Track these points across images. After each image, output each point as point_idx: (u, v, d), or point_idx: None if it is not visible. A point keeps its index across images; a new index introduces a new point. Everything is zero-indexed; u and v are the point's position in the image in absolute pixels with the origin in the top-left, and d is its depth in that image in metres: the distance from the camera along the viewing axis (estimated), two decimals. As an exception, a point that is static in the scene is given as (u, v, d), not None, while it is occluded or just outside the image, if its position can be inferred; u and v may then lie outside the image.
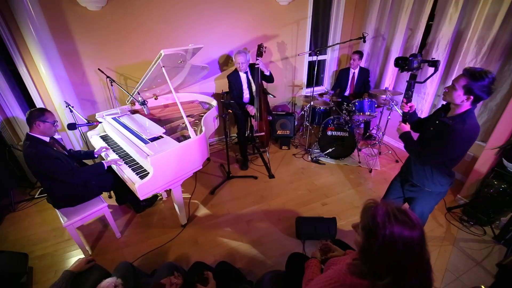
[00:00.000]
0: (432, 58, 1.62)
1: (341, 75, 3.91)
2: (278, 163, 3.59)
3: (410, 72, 1.72)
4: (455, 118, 1.53)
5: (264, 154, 3.59)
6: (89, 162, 2.61)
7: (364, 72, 3.79)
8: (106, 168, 2.22)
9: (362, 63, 3.97)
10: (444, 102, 1.68)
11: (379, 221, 0.80)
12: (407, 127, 1.77)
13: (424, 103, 3.33)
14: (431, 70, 1.76)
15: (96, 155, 2.45)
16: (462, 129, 1.47)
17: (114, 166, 2.31)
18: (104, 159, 2.34)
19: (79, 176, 2.11)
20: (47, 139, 2.03)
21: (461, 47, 2.79)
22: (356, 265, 0.92)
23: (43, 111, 1.99)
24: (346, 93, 3.95)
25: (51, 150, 2.00)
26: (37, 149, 1.92)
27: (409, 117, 1.83)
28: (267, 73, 3.14)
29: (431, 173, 1.70)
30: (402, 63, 1.70)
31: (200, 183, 3.21)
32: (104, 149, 2.47)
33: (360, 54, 3.66)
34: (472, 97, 1.44)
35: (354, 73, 3.79)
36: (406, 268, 0.79)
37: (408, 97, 1.77)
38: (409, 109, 1.79)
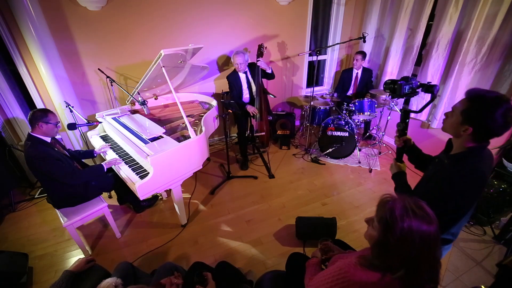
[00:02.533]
0: (429, 83, 1.32)
1: (344, 76, 3.90)
2: (278, 163, 3.59)
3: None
4: (452, 156, 1.18)
5: (264, 154, 3.59)
6: (88, 161, 2.62)
7: (367, 72, 3.79)
8: (106, 170, 2.22)
9: (364, 63, 3.97)
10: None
11: (397, 214, 0.79)
12: (402, 166, 1.45)
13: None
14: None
15: (95, 154, 2.46)
16: (453, 173, 1.11)
17: (114, 166, 2.31)
18: (104, 159, 2.34)
19: (79, 177, 2.11)
20: (48, 139, 2.03)
21: (461, 47, 2.79)
22: (367, 258, 0.92)
23: (46, 112, 1.98)
24: (349, 93, 3.95)
25: (52, 150, 2.00)
26: (38, 150, 1.92)
27: (407, 152, 1.50)
28: (269, 71, 3.14)
29: None
30: (391, 87, 1.40)
31: (200, 183, 3.21)
32: (104, 148, 2.48)
33: (363, 54, 3.66)
34: (471, 128, 1.05)
35: (357, 73, 3.79)
36: (420, 263, 0.79)
37: (401, 129, 1.44)
38: (403, 144, 1.46)
